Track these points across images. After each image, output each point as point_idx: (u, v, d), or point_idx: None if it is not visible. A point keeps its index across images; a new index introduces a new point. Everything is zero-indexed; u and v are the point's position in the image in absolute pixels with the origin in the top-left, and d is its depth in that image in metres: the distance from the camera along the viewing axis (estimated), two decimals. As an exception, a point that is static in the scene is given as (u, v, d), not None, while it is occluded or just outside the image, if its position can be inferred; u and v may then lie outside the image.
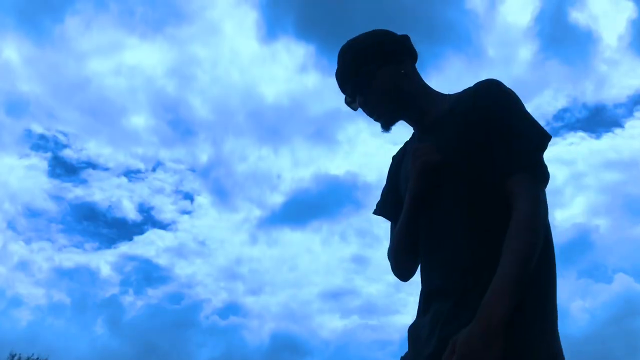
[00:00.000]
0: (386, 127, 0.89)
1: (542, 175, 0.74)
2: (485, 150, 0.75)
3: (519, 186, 0.72)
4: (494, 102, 0.78)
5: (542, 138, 0.76)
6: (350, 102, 0.90)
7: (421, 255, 0.84)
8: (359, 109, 0.90)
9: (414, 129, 0.92)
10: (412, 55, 0.90)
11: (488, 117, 0.77)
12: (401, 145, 0.98)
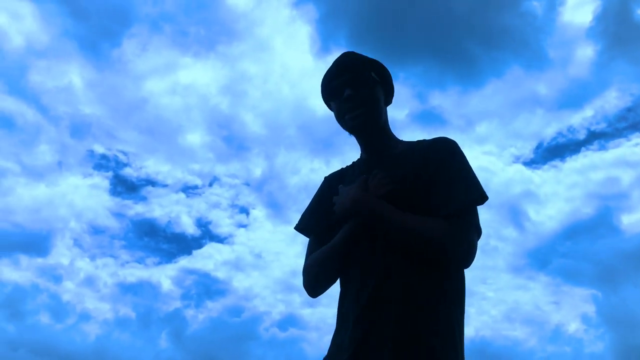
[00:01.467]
0: (359, 128, 0.93)
1: (478, 226, 0.87)
2: (434, 189, 0.86)
3: (463, 219, 0.84)
4: (450, 154, 0.90)
5: (482, 195, 0.86)
6: (345, 84, 0.92)
7: (349, 281, 0.87)
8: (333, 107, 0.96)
9: (364, 155, 0.99)
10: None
11: (443, 165, 0.88)
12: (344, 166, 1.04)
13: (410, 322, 0.79)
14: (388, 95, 0.99)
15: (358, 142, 0.99)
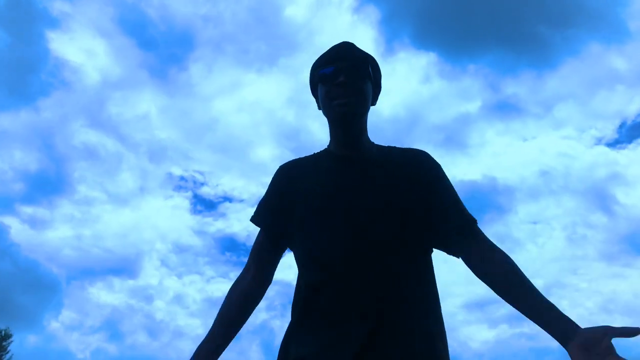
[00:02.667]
0: (346, 117, 0.90)
1: None
2: (423, 198, 0.87)
3: (481, 234, 0.87)
4: (436, 168, 0.92)
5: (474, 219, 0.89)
6: (341, 71, 0.89)
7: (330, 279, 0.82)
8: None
9: (334, 148, 0.94)
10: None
11: (433, 178, 0.90)
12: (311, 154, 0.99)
13: (407, 312, 0.79)
14: (375, 96, 0.97)
15: (333, 132, 0.94)
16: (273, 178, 0.97)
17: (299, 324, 0.83)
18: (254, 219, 0.96)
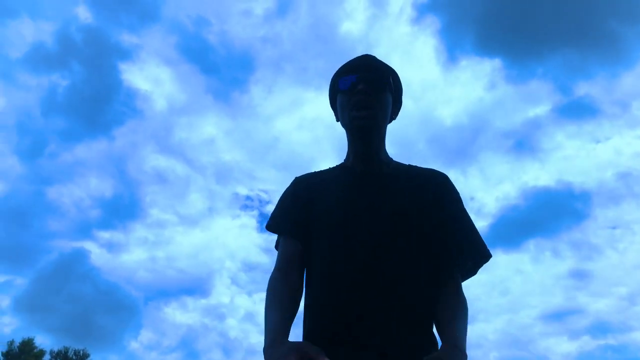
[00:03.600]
0: (363, 128, 0.88)
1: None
2: (439, 222, 0.86)
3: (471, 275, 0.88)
4: (450, 191, 0.91)
5: (488, 255, 0.88)
6: (361, 80, 0.88)
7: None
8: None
9: (351, 162, 0.93)
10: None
11: (451, 203, 0.89)
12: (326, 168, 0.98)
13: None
14: (395, 110, 0.96)
15: (352, 144, 0.93)
16: (289, 189, 0.95)
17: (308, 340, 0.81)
18: (272, 227, 0.93)
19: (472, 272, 0.87)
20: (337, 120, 0.95)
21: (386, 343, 0.76)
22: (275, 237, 0.95)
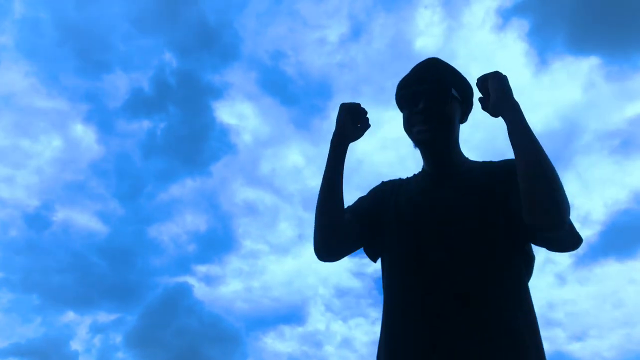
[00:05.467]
0: (426, 143, 0.89)
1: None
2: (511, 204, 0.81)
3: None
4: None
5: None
6: (421, 95, 0.87)
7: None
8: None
9: (427, 169, 0.94)
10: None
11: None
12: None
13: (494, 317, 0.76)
14: (465, 114, 0.94)
15: (422, 155, 0.94)
16: (373, 188, 1.00)
17: (388, 332, 0.83)
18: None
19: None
20: (405, 131, 0.95)
21: (460, 334, 0.74)
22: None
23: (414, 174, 0.98)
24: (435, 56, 0.93)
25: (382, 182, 1.00)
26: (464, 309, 0.76)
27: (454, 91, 0.88)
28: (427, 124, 0.86)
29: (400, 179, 0.99)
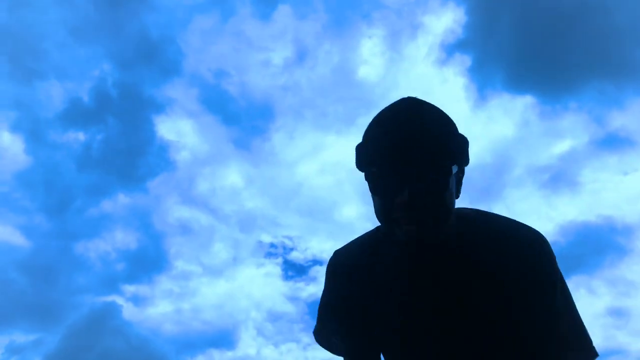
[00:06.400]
0: (413, 241, 0.62)
1: None
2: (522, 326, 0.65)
3: None
4: (548, 275, 0.66)
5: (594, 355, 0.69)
6: (405, 181, 0.59)
7: None
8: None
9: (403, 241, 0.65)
10: None
11: (548, 284, 0.65)
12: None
13: None
14: (460, 183, 0.66)
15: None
16: (329, 278, 0.74)
17: None
18: (322, 343, 0.75)
19: None
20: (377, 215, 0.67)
21: None
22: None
23: (370, 236, 0.73)
24: (409, 96, 0.64)
25: (333, 264, 0.74)
26: None
27: (454, 168, 0.61)
28: (416, 221, 0.60)
29: (354, 247, 0.74)
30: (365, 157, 0.63)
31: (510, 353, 0.65)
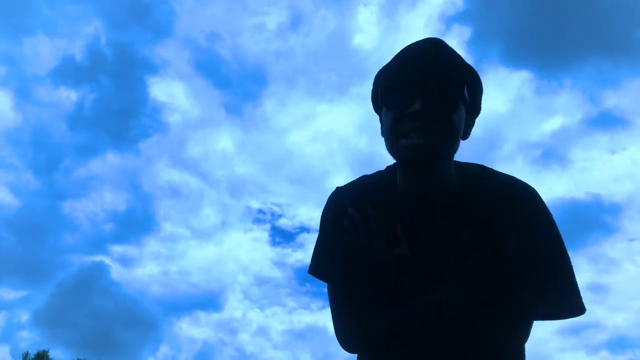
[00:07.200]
0: (417, 163, 0.64)
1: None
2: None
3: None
4: (542, 225, 0.67)
5: (580, 308, 0.67)
6: (418, 94, 0.62)
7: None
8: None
9: (404, 183, 0.69)
10: None
11: (530, 239, 0.65)
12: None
13: None
14: (469, 126, 0.69)
15: (402, 173, 0.69)
16: (326, 217, 0.74)
17: None
18: (314, 272, 0.74)
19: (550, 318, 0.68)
20: (382, 135, 0.69)
21: None
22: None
23: (377, 178, 0.74)
24: (436, 37, 0.67)
25: (334, 202, 0.75)
26: None
27: (466, 92, 0.64)
28: (425, 136, 0.62)
29: (357, 187, 0.74)
30: (382, 75, 0.68)
31: (499, 301, 0.63)
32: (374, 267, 0.67)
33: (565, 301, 0.66)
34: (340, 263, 0.71)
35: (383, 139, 0.69)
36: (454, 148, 0.66)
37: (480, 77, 0.68)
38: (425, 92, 0.62)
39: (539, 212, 0.68)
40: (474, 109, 0.69)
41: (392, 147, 0.66)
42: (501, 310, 0.63)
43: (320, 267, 0.74)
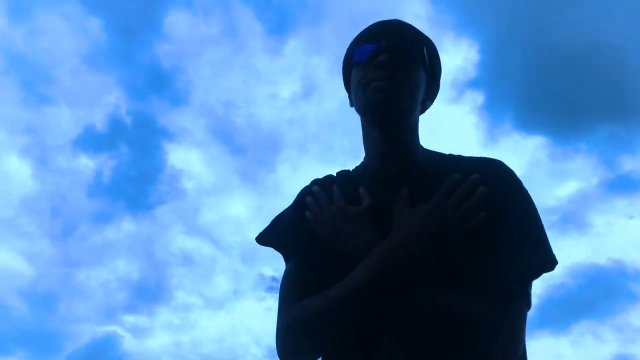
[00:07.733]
0: (378, 106, 0.66)
1: (529, 299, 0.64)
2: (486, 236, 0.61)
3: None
4: (512, 188, 0.66)
5: (551, 261, 0.64)
6: (384, 50, 0.66)
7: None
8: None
9: (374, 158, 0.71)
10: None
11: (502, 202, 0.63)
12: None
13: None
14: (429, 96, 0.73)
15: (367, 133, 0.71)
16: (299, 201, 0.75)
17: None
18: (265, 240, 0.77)
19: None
20: (351, 105, 0.73)
21: None
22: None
23: (356, 167, 0.76)
24: None
25: (311, 183, 0.76)
26: None
27: (425, 52, 0.70)
28: (389, 81, 0.65)
29: (335, 176, 0.76)
30: (351, 45, 0.74)
31: (470, 265, 0.60)
32: (331, 246, 0.66)
33: (537, 257, 0.63)
34: (297, 237, 0.71)
35: (352, 108, 0.73)
36: (412, 102, 0.68)
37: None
38: (388, 48, 0.67)
39: (511, 182, 0.67)
40: (433, 80, 0.74)
41: (358, 98, 0.69)
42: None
43: (275, 236, 0.75)
